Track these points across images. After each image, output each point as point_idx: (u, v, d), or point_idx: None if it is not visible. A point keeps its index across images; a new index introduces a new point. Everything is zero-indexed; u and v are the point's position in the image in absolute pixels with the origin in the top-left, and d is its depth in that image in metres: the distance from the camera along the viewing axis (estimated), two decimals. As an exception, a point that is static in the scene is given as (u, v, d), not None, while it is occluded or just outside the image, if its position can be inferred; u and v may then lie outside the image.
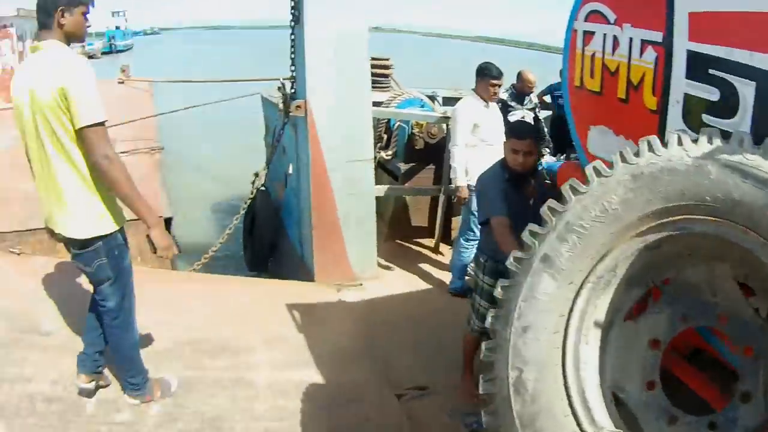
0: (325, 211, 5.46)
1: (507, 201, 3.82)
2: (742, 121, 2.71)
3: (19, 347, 4.08)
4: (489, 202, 3.88)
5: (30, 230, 5.63)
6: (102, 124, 2.96)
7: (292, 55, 5.47)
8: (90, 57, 32.48)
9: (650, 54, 3.08)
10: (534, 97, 7.29)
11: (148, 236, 3.16)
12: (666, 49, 3.01)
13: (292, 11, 5.19)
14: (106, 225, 3.17)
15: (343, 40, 5.18)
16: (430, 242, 7.07)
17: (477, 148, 5.57)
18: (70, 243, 3.24)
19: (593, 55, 3.37)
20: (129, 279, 3.42)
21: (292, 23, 5.27)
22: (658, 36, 3.03)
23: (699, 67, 2.89)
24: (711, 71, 2.83)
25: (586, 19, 3.39)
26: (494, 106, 5.81)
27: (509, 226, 3.70)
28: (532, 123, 6.90)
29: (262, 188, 6.19)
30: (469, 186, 5.43)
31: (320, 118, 5.28)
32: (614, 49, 3.25)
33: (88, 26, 3.17)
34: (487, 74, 5.54)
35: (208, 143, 15.18)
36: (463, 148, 5.58)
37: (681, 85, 2.95)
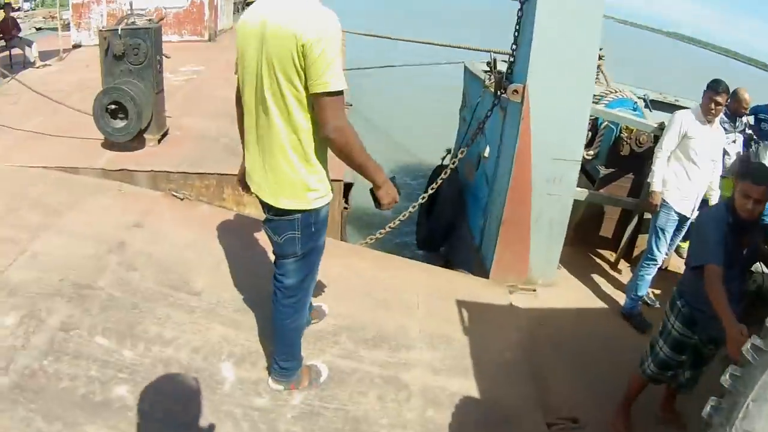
0: (519, 207, 5.02)
1: (725, 248, 3.35)
2: None
3: (164, 304, 3.85)
4: (707, 247, 3.40)
5: (198, 173, 5.46)
6: (341, 93, 2.58)
7: (516, 33, 4.96)
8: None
9: None
10: (748, 119, 6.55)
11: (371, 191, 2.87)
12: None
13: None
14: (314, 199, 2.84)
15: (578, 23, 4.65)
16: (611, 255, 6.53)
17: (681, 162, 5.14)
18: (267, 206, 2.93)
19: None
20: (317, 259, 3.12)
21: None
22: None
23: None
24: None
25: None
26: (717, 127, 5.27)
27: (722, 277, 3.25)
28: (744, 148, 6.29)
29: (451, 165, 5.72)
30: (663, 199, 5.12)
31: (537, 107, 4.76)
32: None
33: None
34: (710, 87, 5.03)
35: (398, 107, 14.99)
36: (667, 154, 5.17)
37: None
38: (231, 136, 5.51)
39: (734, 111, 6.23)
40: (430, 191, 5.42)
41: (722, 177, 5.67)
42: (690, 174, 5.04)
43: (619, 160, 6.23)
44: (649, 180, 5.23)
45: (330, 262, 3.81)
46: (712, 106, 4.95)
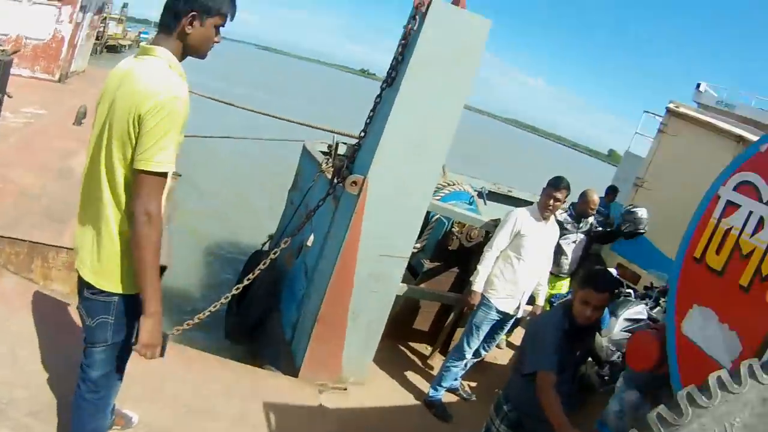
0: (338, 304, 4.76)
1: (560, 354, 3.32)
2: None
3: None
4: (542, 354, 3.38)
5: (9, 238, 4.81)
6: (165, 175, 2.36)
7: (368, 120, 4.72)
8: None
9: None
10: (593, 220, 6.61)
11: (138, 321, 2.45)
12: None
13: (390, 72, 4.49)
14: (135, 284, 2.47)
15: (435, 122, 4.58)
16: (425, 349, 6.47)
17: (510, 260, 5.07)
18: (84, 283, 2.57)
19: (728, 230, 2.85)
20: (127, 354, 2.73)
21: (384, 85, 4.57)
22: None
23: None
24: None
25: (736, 188, 2.87)
26: (552, 223, 5.30)
27: (554, 383, 3.22)
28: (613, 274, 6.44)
29: (272, 255, 5.30)
30: (483, 296, 5.06)
31: (374, 202, 4.56)
32: (756, 230, 2.72)
33: (216, 42, 2.59)
34: (550, 184, 5.05)
35: (231, 179, 14.36)
36: (497, 254, 5.08)
37: None
38: (54, 196, 5.11)
39: (581, 212, 6.35)
40: (246, 281, 4.98)
41: (552, 274, 5.79)
42: (519, 272, 4.99)
43: (447, 254, 6.17)
44: (472, 279, 5.14)
45: (132, 357, 3.36)
46: (551, 202, 4.97)
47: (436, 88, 4.46)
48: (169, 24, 2.45)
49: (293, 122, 7.21)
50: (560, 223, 5.94)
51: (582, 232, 6.31)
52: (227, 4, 2.53)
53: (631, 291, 6.39)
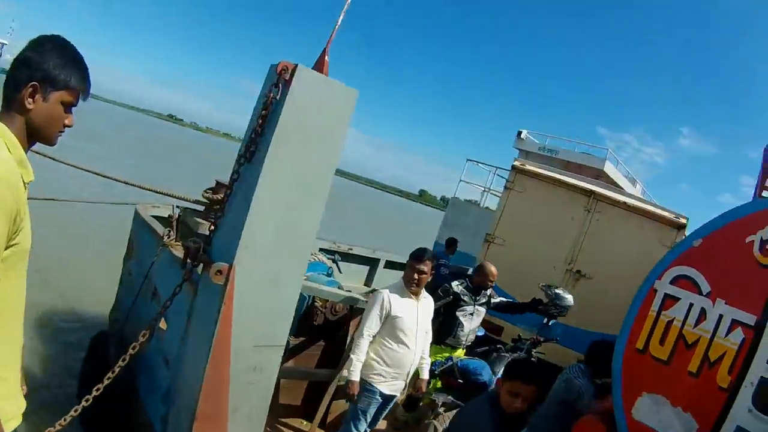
0: (216, 401, 4.32)
1: None
2: None
3: None
4: None
5: None
6: None
7: (226, 197, 4.26)
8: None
9: (737, 335, 2.98)
10: (492, 292, 6.65)
11: None
12: (756, 332, 2.91)
13: (249, 146, 4.05)
14: None
15: (305, 197, 4.27)
16: (300, 423, 6.14)
17: (388, 342, 4.95)
18: None
19: (670, 322, 3.17)
20: None
21: (243, 160, 4.09)
22: (751, 319, 2.95)
23: None
24: None
25: (673, 282, 3.21)
26: (425, 299, 5.21)
27: None
28: (534, 360, 6.53)
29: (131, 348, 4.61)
30: (365, 381, 4.88)
31: (243, 292, 4.12)
32: (699, 321, 3.07)
33: (67, 126, 2.21)
34: (413, 257, 5.04)
35: (59, 244, 12.53)
36: (369, 339, 4.91)
37: (761, 369, 2.92)
38: None
39: (479, 284, 6.39)
40: (106, 380, 4.22)
41: (449, 345, 5.89)
42: (399, 354, 4.87)
43: (311, 328, 6.02)
44: (347, 368, 4.98)
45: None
46: (416, 276, 4.91)
47: (303, 164, 4.18)
48: (8, 96, 2.08)
49: (118, 181, 6.34)
50: (457, 295, 6.10)
51: (479, 305, 6.40)
52: (77, 76, 2.16)
53: (500, 346, 6.60)
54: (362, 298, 5.85)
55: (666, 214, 8.38)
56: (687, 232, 8.05)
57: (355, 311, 5.82)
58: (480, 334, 6.32)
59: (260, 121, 3.98)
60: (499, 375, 5.46)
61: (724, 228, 3.28)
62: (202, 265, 4.19)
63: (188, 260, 4.31)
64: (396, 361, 4.90)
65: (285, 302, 4.46)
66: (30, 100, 2.05)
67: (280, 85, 3.93)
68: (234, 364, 4.26)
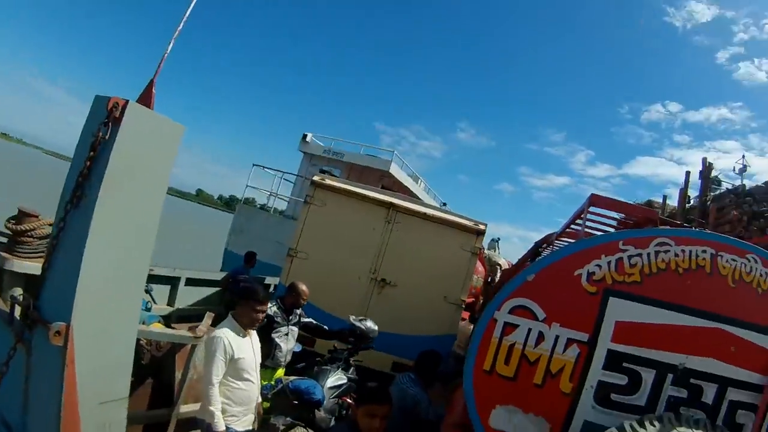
0: None
1: None
2: (641, 397, 3.80)
3: None
4: None
5: None
6: None
7: (52, 250, 3.66)
8: None
9: (574, 350, 3.78)
10: (301, 311, 6.45)
11: None
12: (590, 346, 3.73)
13: (76, 191, 3.50)
14: None
15: (137, 240, 3.83)
16: None
17: (235, 384, 4.83)
18: None
19: (512, 345, 3.70)
20: None
21: (69, 206, 3.53)
22: (584, 336, 3.75)
23: (615, 360, 3.77)
24: (625, 364, 3.74)
25: (511, 312, 3.69)
26: (253, 332, 5.09)
27: None
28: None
29: None
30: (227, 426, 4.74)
31: (83, 350, 3.60)
32: (538, 342, 3.69)
33: None
34: (252, 298, 4.84)
35: None
36: (218, 386, 4.71)
37: (597, 374, 3.78)
38: None
39: (292, 304, 6.24)
40: None
41: (268, 367, 5.77)
42: (246, 391, 4.80)
43: (139, 369, 5.27)
44: (208, 419, 4.68)
45: None
46: (260, 317, 4.84)
47: (133, 207, 3.76)
48: None
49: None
50: (270, 318, 5.91)
51: (292, 324, 6.28)
52: None
53: (319, 359, 6.55)
54: (188, 334, 5.59)
55: (466, 222, 8.71)
56: (485, 238, 8.24)
57: (177, 344, 5.56)
58: (297, 350, 6.10)
59: (88, 164, 3.54)
60: (327, 386, 5.75)
61: (554, 265, 3.82)
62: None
63: (15, 318, 3.94)
64: (245, 399, 4.85)
65: (124, 353, 4.04)
66: None
67: (110, 123, 3.52)
68: (84, 426, 3.84)
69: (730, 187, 17.18)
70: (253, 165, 18.01)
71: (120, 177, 3.60)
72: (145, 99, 3.81)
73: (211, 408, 4.70)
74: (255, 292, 4.87)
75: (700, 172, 15.15)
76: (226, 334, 4.81)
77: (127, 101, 3.56)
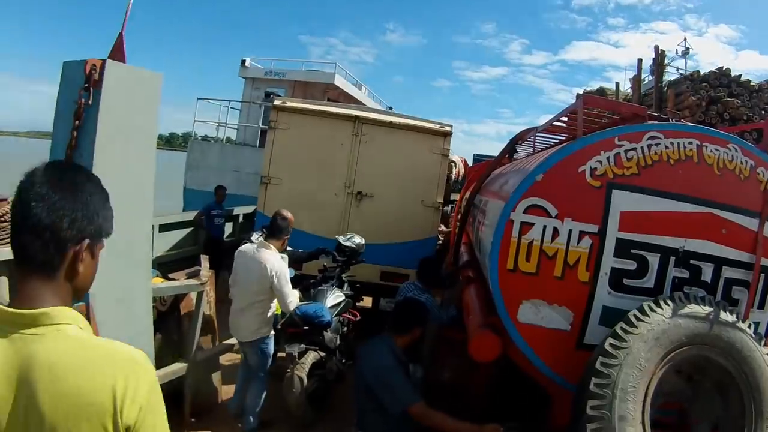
0: None
1: (411, 382, 4.02)
2: (649, 280, 4.11)
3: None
4: (401, 392, 3.93)
5: None
6: None
7: None
8: None
9: (586, 241, 4.11)
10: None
11: None
12: (600, 237, 4.03)
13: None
14: None
15: (135, 202, 3.84)
16: None
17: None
18: None
19: (530, 243, 4.00)
20: None
21: None
22: (594, 228, 4.08)
23: (624, 248, 4.09)
24: (632, 250, 4.07)
25: (526, 212, 3.99)
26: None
27: (430, 407, 4.07)
28: None
29: None
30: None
31: (107, 325, 3.55)
32: (554, 237, 3.99)
33: None
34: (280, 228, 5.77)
35: None
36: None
37: (609, 262, 4.13)
38: None
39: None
40: None
41: None
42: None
43: None
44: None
45: None
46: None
47: (128, 168, 3.79)
48: (47, 261, 1.54)
49: None
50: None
51: (282, 253, 6.33)
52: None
53: (312, 280, 6.77)
54: (195, 282, 5.72)
55: (432, 125, 8.92)
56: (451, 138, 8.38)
57: (180, 294, 5.76)
58: (291, 275, 6.04)
59: (74, 134, 3.49)
60: (328, 305, 6.05)
61: (559, 164, 4.12)
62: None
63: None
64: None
65: (144, 316, 4.16)
66: (80, 263, 1.58)
67: (90, 87, 3.45)
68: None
69: (674, 69, 17.82)
70: (198, 99, 17.94)
71: (111, 140, 3.58)
72: (118, 54, 3.77)
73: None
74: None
75: (654, 59, 15.52)
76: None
77: (104, 61, 3.50)
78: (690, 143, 4.34)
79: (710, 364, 4.03)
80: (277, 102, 8.89)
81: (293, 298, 5.66)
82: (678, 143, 4.32)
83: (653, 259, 4.21)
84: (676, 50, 18.74)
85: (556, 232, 4.13)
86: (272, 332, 5.79)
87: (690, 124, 5.39)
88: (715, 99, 12.77)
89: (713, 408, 4.13)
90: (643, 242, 4.18)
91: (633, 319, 3.82)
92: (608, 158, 4.18)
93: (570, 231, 4.12)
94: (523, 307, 4.20)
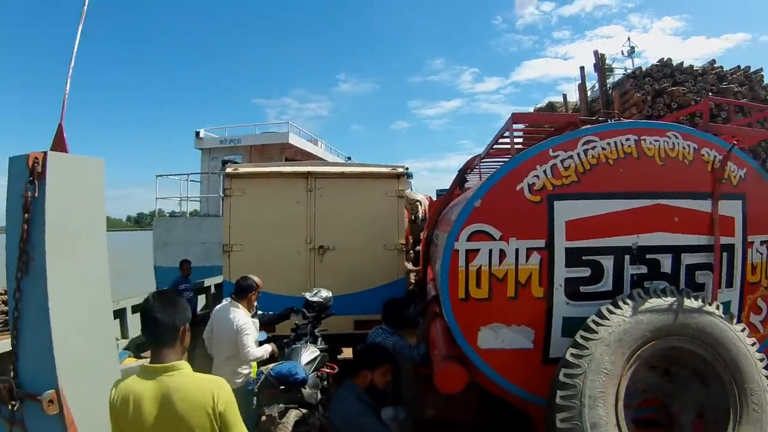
0: None
1: (382, 426, 3.94)
2: (606, 283, 4.02)
3: None
4: None
5: None
6: None
7: (16, 321, 3.50)
8: None
9: (535, 257, 4.08)
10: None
11: None
12: (549, 250, 3.96)
13: (21, 257, 3.41)
14: None
15: (93, 285, 3.76)
16: None
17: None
18: None
19: (479, 269, 3.93)
20: None
21: (20, 274, 3.43)
22: (541, 243, 4.03)
23: (575, 257, 4.02)
24: (584, 257, 3.98)
25: (469, 239, 3.93)
26: None
27: None
28: None
29: None
30: None
31: (79, 408, 3.50)
32: (501, 260, 3.91)
33: None
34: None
35: None
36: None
37: (562, 273, 4.08)
38: None
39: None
40: None
41: None
42: None
43: None
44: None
45: None
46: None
47: (81, 253, 3.69)
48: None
49: None
50: None
51: (252, 317, 6.34)
52: None
53: (286, 340, 6.62)
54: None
55: (383, 169, 8.79)
56: (406, 177, 8.29)
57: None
58: (263, 338, 6.01)
59: (25, 227, 3.47)
60: (304, 363, 5.93)
61: (495, 186, 4.09)
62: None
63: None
64: None
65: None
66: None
67: (35, 180, 3.45)
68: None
69: (623, 70, 17.53)
70: (157, 176, 17.65)
71: (60, 229, 3.57)
72: (59, 144, 3.77)
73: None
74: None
75: (595, 65, 15.36)
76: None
77: (46, 153, 3.51)
78: (627, 140, 4.28)
79: (683, 354, 4.00)
80: (228, 170, 8.82)
81: (251, 348, 5.70)
82: (615, 142, 4.26)
83: (607, 262, 4.18)
84: (622, 51, 18.42)
85: (503, 253, 4.08)
86: (252, 374, 5.86)
87: (626, 121, 5.31)
88: (660, 91, 12.64)
89: (695, 396, 4.08)
90: (594, 247, 4.17)
91: (592, 324, 3.81)
92: (545, 171, 4.14)
93: (517, 250, 4.08)
94: (482, 334, 4.16)
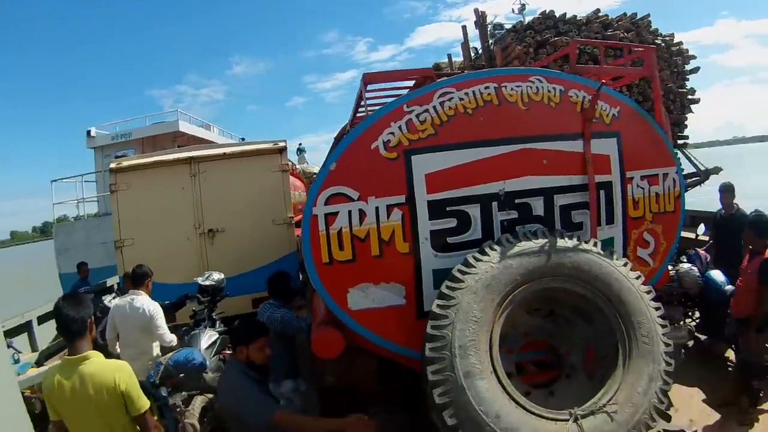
0: None
1: (265, 395, 3.85)
2: (474, 232, 4.01)
3: None
4: (255, 406, 3.76)
5: None
6: None
7: None
8: None
9: (397, 214, 4.03)
10: None
11: None
12: (410, 205, 3.92)
13: None
14: None
15: None
16: None
17: None
18: None
19: (339, 231, 3.90)
20: None
21: None
22: (401, 199, 4.00)
23: (438, 209, 3.99)
24: (449, 208, 3.95)
25: (327, 203, 3.88)
26: None
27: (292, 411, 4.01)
28: None
29: None
30: None
31: None
32: (361, 220, 3.88)
33: None
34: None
35: None
36: None
37: (426, 226, 4.02)
38: None
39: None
40: None
41: None
42: None
43: (35, 421, 5.06)
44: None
45: None
46: None
47: None
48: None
49: None
50: None
51: None
52: None
53: (185, 328, 6.60)
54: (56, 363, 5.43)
55: (265, 146, 8.73)
56: (299, 153, 8.03)
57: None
58: None
59: None
60: (204, 347, 5.87)
61: (349, 148, 4.05)
62: None
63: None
64: None
65: (16, 412, 3.77)
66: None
67: None
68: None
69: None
70: (52, 181, 17.26)
71: None
72: None
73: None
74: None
75: (476, 22, 15.13)
76: None
77: None
78: (486, 88, 4.25)
79: (561, 294, 4.01)
80: (112, 165, 8.67)
81: (167, 331, 5.71)
82: (473, 92, 4.23)
83: (474, 211, 4.16)
84: (513, 9, 17.99)
85: (362, 213, 4.03)
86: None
87: (484, 70, 5.23)
88: (542, 42, 12.47)
89: (582, 334, 4.08)
90: (458, 197, 4.14)
91: (458, 274, 3.77)
92: (399, 127, 4.10)
93: (377, 208, 4.03)
94: (351, 295, 4.11)
